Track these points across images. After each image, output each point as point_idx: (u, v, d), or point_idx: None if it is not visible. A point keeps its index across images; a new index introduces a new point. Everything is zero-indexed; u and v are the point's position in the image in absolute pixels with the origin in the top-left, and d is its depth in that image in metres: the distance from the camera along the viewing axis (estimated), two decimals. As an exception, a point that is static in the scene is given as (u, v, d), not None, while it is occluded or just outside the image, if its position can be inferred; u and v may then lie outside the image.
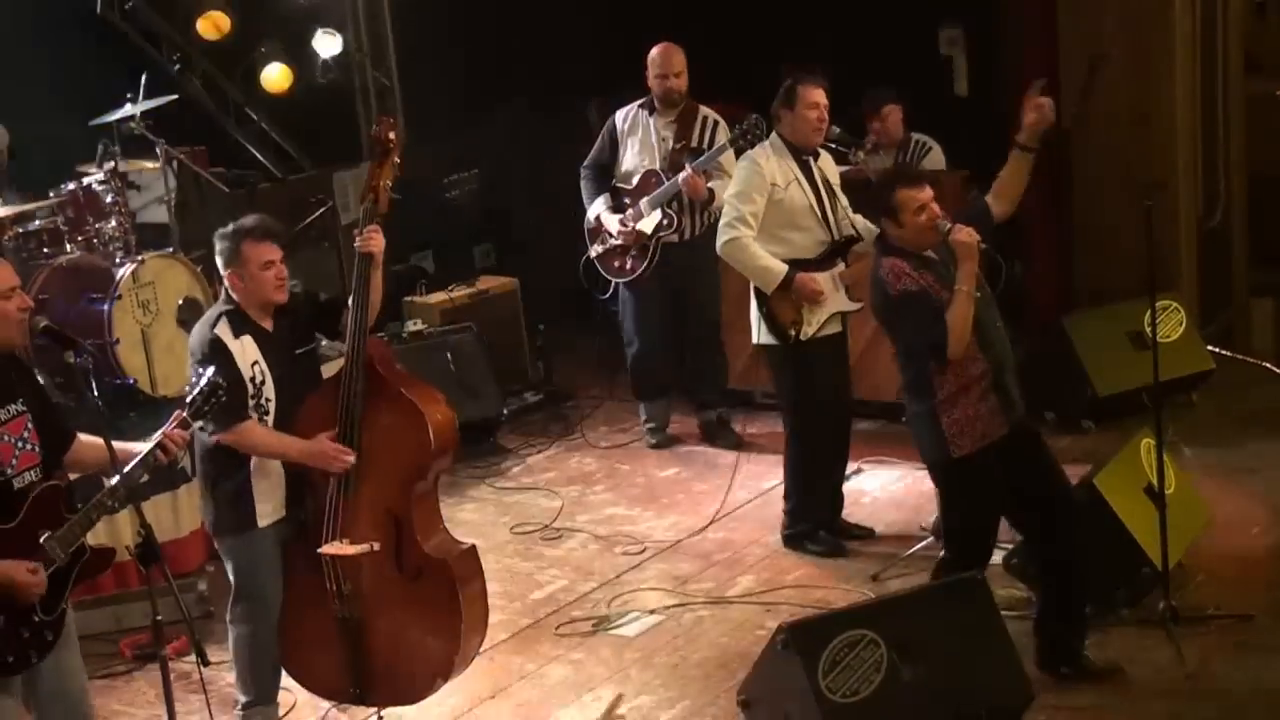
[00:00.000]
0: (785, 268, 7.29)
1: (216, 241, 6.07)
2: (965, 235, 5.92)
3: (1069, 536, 6.14)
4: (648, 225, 8.72)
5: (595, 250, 8.96)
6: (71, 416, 5.55)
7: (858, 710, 5.53)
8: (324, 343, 6.62)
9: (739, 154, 8.45)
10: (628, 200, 8.84)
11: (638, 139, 8.86)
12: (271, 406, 5.99)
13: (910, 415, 6.21)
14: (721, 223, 7.45)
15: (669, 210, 8.70)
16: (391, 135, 6.15)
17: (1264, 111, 10.10)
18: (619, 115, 8.96)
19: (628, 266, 8.87)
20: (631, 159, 8.87)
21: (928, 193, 6.06)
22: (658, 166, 8.76)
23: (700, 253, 8.81)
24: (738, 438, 9.01)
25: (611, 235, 8.84)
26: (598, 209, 8.90)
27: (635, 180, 8.82)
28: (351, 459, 5.92)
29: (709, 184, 8.57)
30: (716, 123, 8.84)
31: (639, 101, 8.92)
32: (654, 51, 8.84)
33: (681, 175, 8.54)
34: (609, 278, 9.01)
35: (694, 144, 8.75)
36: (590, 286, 9.16)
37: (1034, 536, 6.29)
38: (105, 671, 6.99)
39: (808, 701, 5.51)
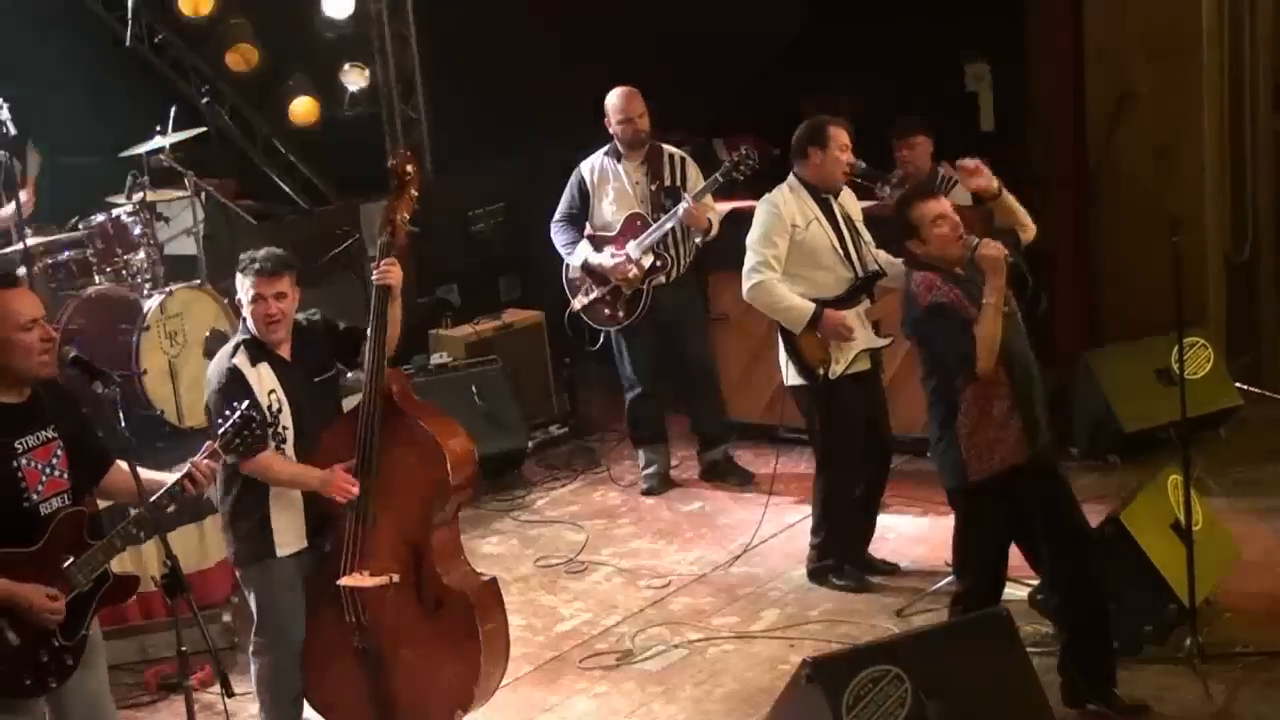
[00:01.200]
0: (812, 306, 7.28)
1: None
2: (992, 250, 5.92)
3: (1086, 573, 6.10)
4: (640, 269, 8.69)
5: (579, 302, 8.90)
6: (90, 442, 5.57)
7: (882, 746, 5.50)
8: (349, 374, 6.62)
9: (730, 185, 8.49)
10: (610, 248, 8.76)
11: (611, 187, 8.79)
12: (289, 435, 6.01)
13: (933, 439, 6.19)
14: (746, 268, 7.42)
15: (660, 252, 8.67)
16: (409, 168, 6.17)
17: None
18: (584, 167, 8.87)
19: (619, 315, 8.83)
20: (608, 208, 8.79)
21: (944, 203, 6.07)
22: (638, 210, 8.73)
23: (686, 291, 8.84)
24: (747, 474, 9.00)
25: (605, 279, 8.77)
26: (583, 253, 8.80)
27: (618, 227, 8.76)
28: (355, 490, 5.92)
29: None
30: (684, 159, 8.84)
31: (603, 150, 8.85)
32: (614, 97, 8.76)
33: (681, 208, 8.49)
34: (598, 328, 8.98)
35: (668, 183, 8.72)
36: (578, 337, 9.11)
37: (1052, 572, 6.24)
38: (130, 702, 6.99)
39: (832, 737, 5.48)
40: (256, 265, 5.99)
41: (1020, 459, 5.97)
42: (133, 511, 5.13)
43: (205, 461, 5.24)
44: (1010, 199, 6.39)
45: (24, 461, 5.00)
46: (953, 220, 6.03)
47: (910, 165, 9.10)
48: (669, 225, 8.59)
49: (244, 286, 6.00)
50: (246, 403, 5.49)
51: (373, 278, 6.11)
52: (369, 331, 6.05)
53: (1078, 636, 6.16)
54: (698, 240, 8.69)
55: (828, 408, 7.42)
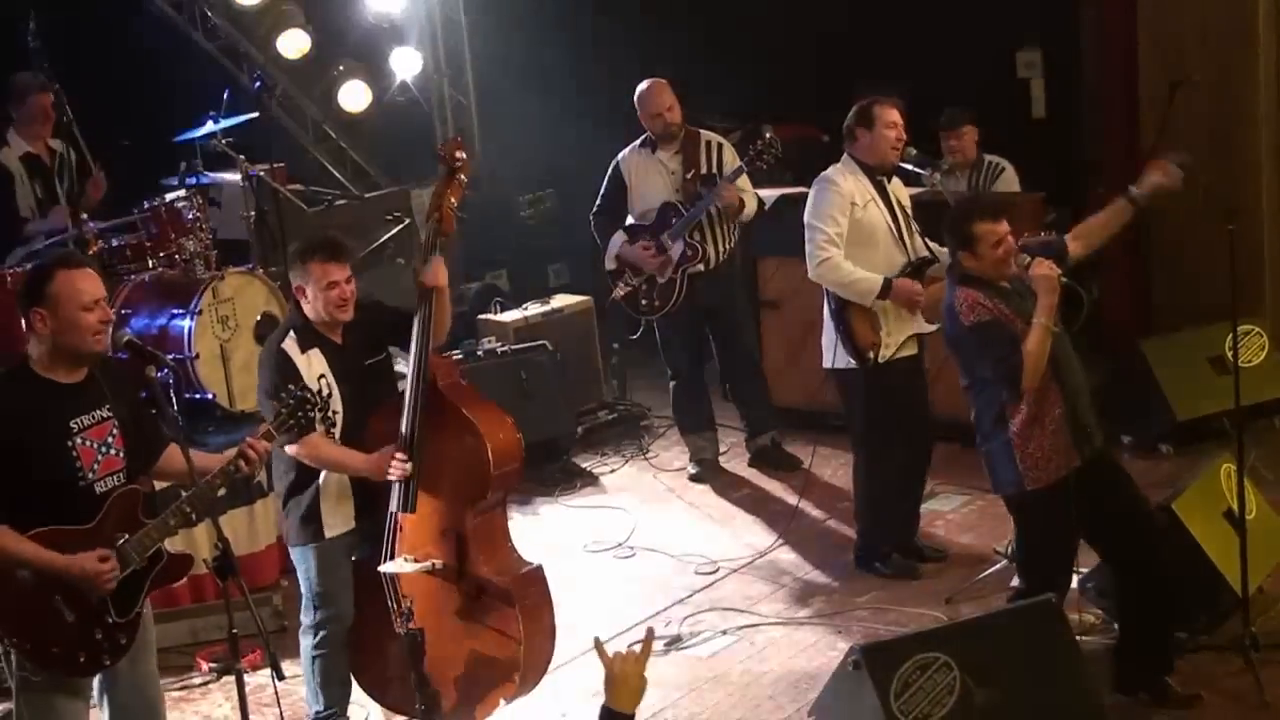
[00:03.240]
0: (880, 278, 7.25)
1: (289, 256, 6.14)
2: (1046, 269, 5.88)
3: (1151, 561, 6.08)
4: (673, 258, 8.69)
5: (619, 292, 8.91)
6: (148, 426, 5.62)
7: (930, 734, 5.49)
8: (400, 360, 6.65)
9: (754, 173, 8.47)
10: (647, 237, 8.79)
11: (647, 177, 8.81)
12: (339, 419, 6.06)
13: (983, 446, 6.17)
14: (810, 248, 7.37)
15: (691, 240, 8.67)
16: (459, 154, 6.18)
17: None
18: (622, 158, 8.89)
19: (655, 304, 8.84)
20: (645, 197, 8.82)
21: (1005, 226, 6.02)
22: (672, 199, 8.73)
23: (727, 279, 8.83)
24: (796, 460, 9.00)
25: (639, 270, 8.77)
26: (615, 246, 8.83)
27: (653, 216, 8.78)
28: (409, 467, 5.95)
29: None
30: (720, 145, 8.83)
31: (638, 141, 8.87)
32: (641, 91, 8.77)
33: (713, 190, 8.50)
34: (638, 316, 8.98)
35: (703, 170, 8.72)
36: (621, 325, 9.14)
37: (1114, 561, 6.23)
38: (181, 684, 7.06)
39: (879, 724, 5.48)
40: (326, 251, 6.03)
41: (1075, 463, 5.95)
42: (185, 494, 5.17)
43: (259, 442, 5.28)
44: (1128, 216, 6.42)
45: (79, 440, 5.05)
46: (1010, 245, 5.99)
47: (958, 154, 9.08)
48: (704, 209, 8.58)
49: (313, 273, 6.01)
50: (302, 384, 5.54)
51: (419, 278, 6.14)
52: (415, 326, 6.07)
53: (1139, 625, 6.12)
54: (736, 222, 8.65)
55: (874, 391, 7.39)
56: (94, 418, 5.11)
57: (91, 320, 5.06)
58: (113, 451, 5.14)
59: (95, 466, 5.09)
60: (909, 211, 7.51)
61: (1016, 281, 6.01)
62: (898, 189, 7.55)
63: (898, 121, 7.38)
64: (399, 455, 5.97)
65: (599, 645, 4.18)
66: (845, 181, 7.36)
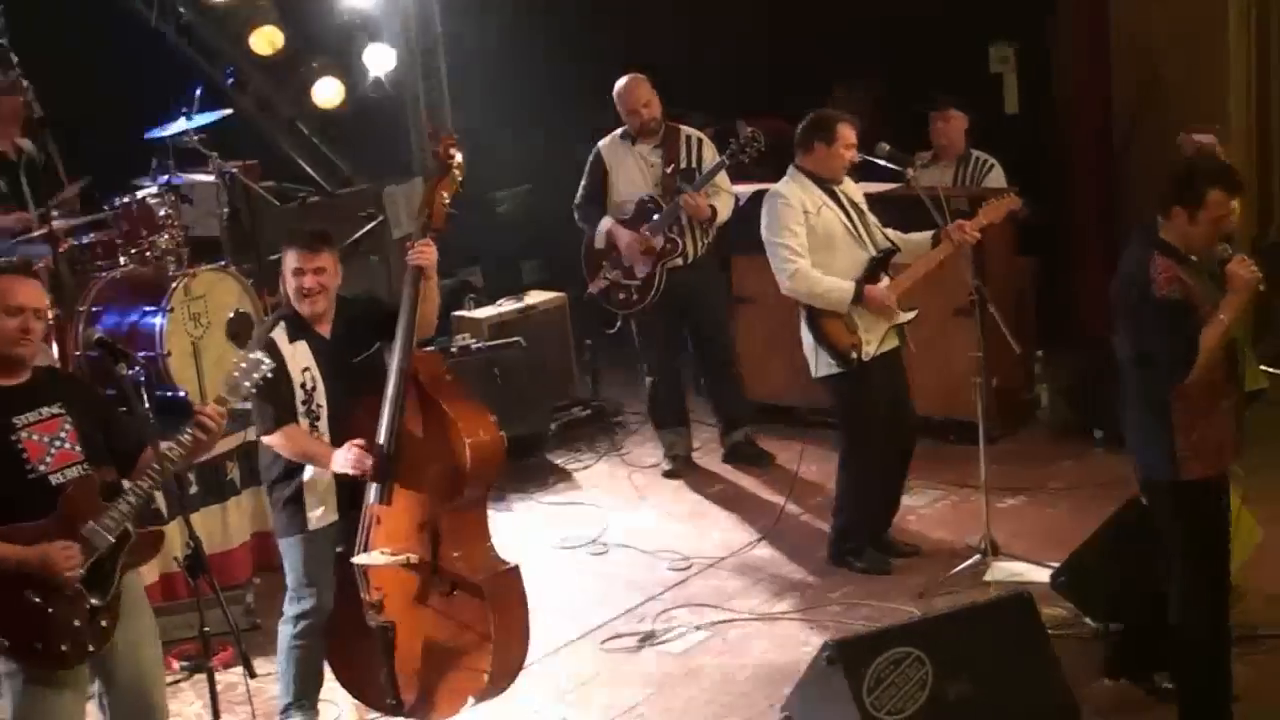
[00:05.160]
0: (852, 285, 7.27)
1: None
2: (1248, 272, 5.50)
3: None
4: (647, 259, 8.69)
5: (596, 286, 8.92)
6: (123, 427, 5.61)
7: (902, 728, 5.52)
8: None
9: (736, 168, 8.47)
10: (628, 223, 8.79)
11: (626, 169, 8.82)
12: (323, 413, 6.07)
13: (1140, 429, 5.76)
14: (776, 263, 7.39)
15: (670, 235, 8.67)
16: (454, 153, 6.23)
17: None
18: (603, 147, 8.90)
19: (634, 299, 8.84)
20: (623, 189, 8.82)
21: (1237, 204, 5.64)
22: (650, 193, 8.73)
23: (704, 274, 8.84)
24: (768, 457, 9.00)
25: (619, 252, 8.77)
26: (606, 225, 8.81)
27: (630, 209, 8.78)
28: (368, 464, 5.94)
29: (710, 201, 8.57)
30: (701, 140, 8.84)
31: (619, 131, 8.87)
32: (620, 87, 8.78)
33: (680, 199, 8.52)
34: (615, 311, 8.98)
35: (682, 165, 8.74)
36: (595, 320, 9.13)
37: None
38: (153, 681, 7.03)
39: (852, 718, 5.49)
40: (300, 239, 6.09)
41: (1228, 463, 5.70)
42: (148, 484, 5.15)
43: (211, 407, 5.25)
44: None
45: (24, 435, 5.07)
46: (1231, 224, 5.63)
47: (944, 138, 9.10)
48: (672, 216, 8.60)
49: (285, 260, 6.09)
50: (262, 352, 5.53)
51: (408, 257, 6.16)
52: (402, 311, 6.09)
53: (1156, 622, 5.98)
54: (717, 225, 8.67)
55: (861, 391, 7.39)
56: (40, 415, 5.12)
57: (10, 326, 5.08)
58: (66, 445, 5.13)
59: (47, 459, 5.08)
60: (862, 207, 7.53)
61: (1207, 261, 5.65)
62: (848, 188, 7.57)
63: (854, 143, 7.43)
64: (357, 450, 5.96)
65: None
66: (794, 193, 7.40)
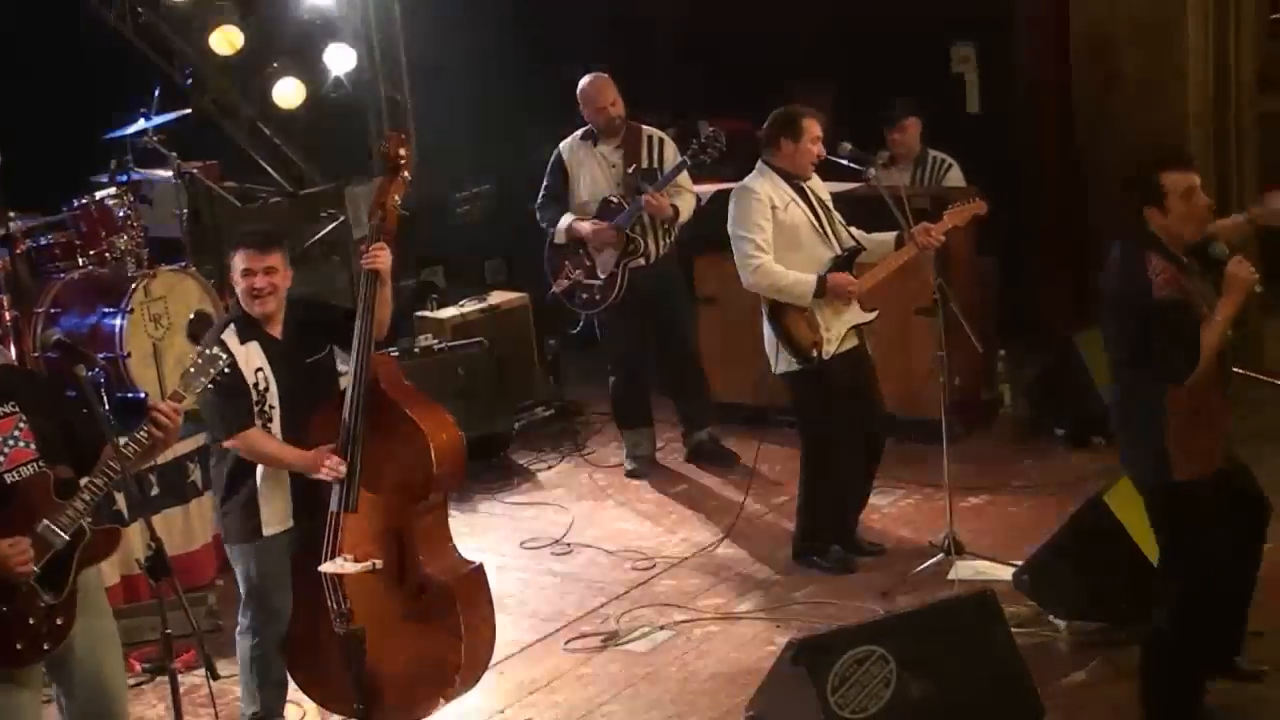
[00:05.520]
0: (814, 278, 7.28)
1: None
2: (1245, 272, 5.44)
3: (1259, 544, 5.94)
4: (611, 256, 8.67)
5: (559, 286, 8.90)
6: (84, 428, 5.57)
7: (867, 726, 5.52)
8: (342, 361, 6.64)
9: (698, 167, 8.47)
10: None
11: (588, 169, 8.80)
12: (275, 414, 6.04)
13: (1129, 431, 5.77)
14: (740, 257, 7.40)
15: (633, 235, 8.67)
16: (402, 151, 6.19)
17: (1276, 128, 10.08)
18: (564, 147, 8.88)
19: (596, 298, 8.83)
20: (585, 189, 8.80)
21: (1196, 176, 5.57)
22: (612, 193, 8.72)
23: (666, 274, 8.84)
24: (732, 456, 9.01)
25: (582, 251, 8.75)
26: (568, 219, 8.78)
27: (593, 209, 8.77)
28: (343, 470, 5.93)
29: (671, 201, 8.57)
30: (662, 139, 8.83)
31: (579, 132, 8.85)
32: (584, 86, 8.76)
33: (642, 199, 8.52)
34: (578, 310, 8.97)
35: (644, 165, 8.72)
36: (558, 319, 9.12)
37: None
38: (114, 685, 6.99)
39: (816, 717, 5.49)
40: (248, 239, 6.06)
41: (1218, 465, 5.64)
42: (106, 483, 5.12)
43: (165, 403, 5.21)
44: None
45: None
46: (1204, 197, 5.58)
47: (901, 147, 9.12)
48: (634, 215, 8.59)
49: (234, 261, 6.05)
50: (217, 346, 5.49)
51: (362, 262, 6.12)
52: (358, 315, 6.06)
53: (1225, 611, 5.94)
54: (680, 225, 8.66)
55: (822, 389, 7.40)
56: None
57: None
58: (21, 444, 5.09)
59: (0, 458, 5.04)
60: (829, 205, 7.54)
61: (1192, 261, 5.61)
62: (816, 186, 7.57)
63: (820, 137, 7.43)
64: (333, 457, 5.94)
65: None
66: (763, 188, 7.40)
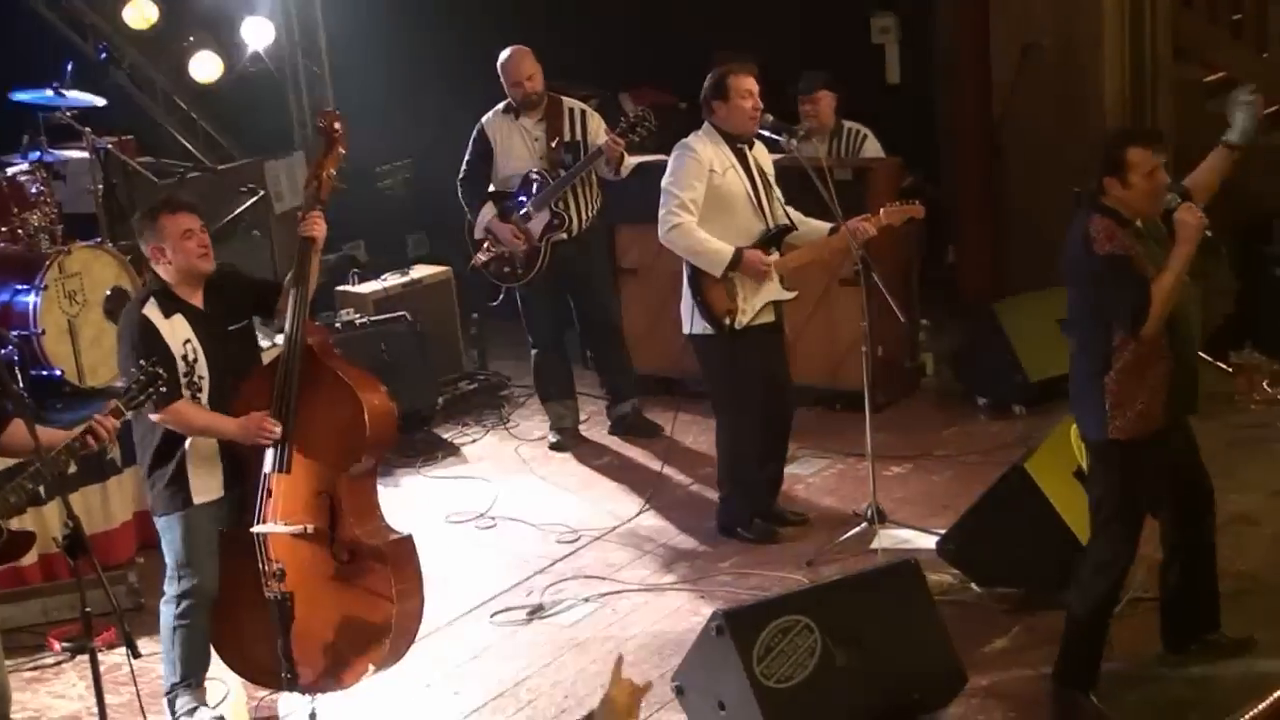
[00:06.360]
0: (731, 249, 7.26)
1: (135, 226, 6.14)
2: (1193, 217, 5.55)
3: (1207, 524, 6.03)
4: (535, 228, 8.65)
5: (480, 258, 8.87)
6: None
7: (792, 695, 5.54)
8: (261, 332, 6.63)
9: (630, 147, 8.46)
10: (510, 204, 8.74)
11: (511, 143, 8.76)
12: (205, 384, 6.02)
13: (1076, 387, 5.87)
14: (663, 211, 7.38)
15: (557, 209, 8.65)
16: (337, 126, 6.29)
17: (1191, 98, 10.18)
18: (485, 122, 8.83)
19: (518, 271, 8.80)
20: (509, 163, 8.76)
21: (1161, 156, 5.66)
22: (536, 167, 8.70)
23: (589, 247, 8.82)
24: (656, 427, 9.01)
25: (502, 243, 8.76)
26: (486, 218, 8.76)
27: (516, 183, 8.75)
28: (278, 431, 5.95)
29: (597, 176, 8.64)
30: (584, 111, 8.81)
31: (501, 105, 8.81)
32: (503, 59, 8.72)
33: (602, 141, 8.48)
34: (499, 284, 8.95)
35: (566, 137, 8.70)
36: (479, 292, 9.10)
37: (1174, 520, 6.06)
38: (34, 664, 6.93)
39: (742, 687, 5.51)
40: (171, 204, 6.05)
41: (1162, 424, 5.71)
42: (29, 469, 5.07)
43: (107, 418, 5.20)
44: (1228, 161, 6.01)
45: None
46: (1162, 178, 5.67)
47: (814, 120, 9.11)
48: (574, 178, 8.56)
49: (166, 228, 5.98)
50: (154, 359, 5.50)
51: (299, 229, 6.17)
52: (287, 282, 6.11)
53: (1193, 584, 6.07)
54: (610, 174, 8.62)
55: (731, 358, 7.41)
56: None
57: None
58: None
59: None
60: (770, 178, 7.53)
61: (1152, 226, 5.72)
62: (761, 156, 7.55)
63: (753, 90, 7.38)
64: (270, 420, 5.94)
65: (618, 665, 4.07)
66: (704, 149, 7.37)
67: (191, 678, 6.21)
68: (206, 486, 6.07)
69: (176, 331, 5.96)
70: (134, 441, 6.24)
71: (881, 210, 7.43)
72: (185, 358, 5.96)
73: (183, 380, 5.95)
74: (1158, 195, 5.66)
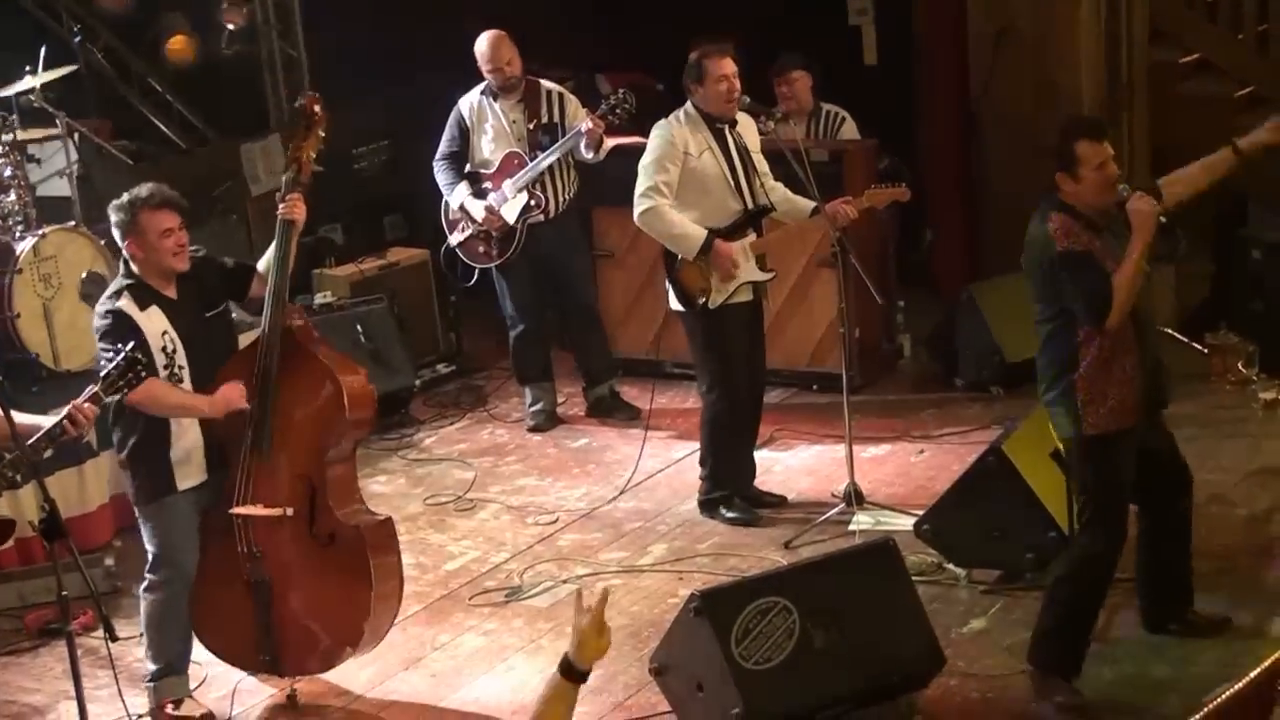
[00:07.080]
0: (704, 233, 7.26)
1: (112, 213, 6.10)
2: (1145, 205, 5.58)
3: (1186, 506, 6.08)
4: (512, 210, 8.65)
5: (456, 238, 8.85)
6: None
7: (770, 677, 5.55)
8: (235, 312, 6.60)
9: (609, 128, 8.45)
10: (488, 185, 8.73)
11: (489, 125, 8.74)
12: (185, 374, 6.01)
13: (1044, 384, 5.88)
14: (637, 192, 7.40)
15: (534, 191, 8.65)
16: (317, 108, 6.28)
17: (1167, 80, 10.20)
18: (463, 105, 8.81)
19: (493, 252, 8.79)
20: (487, 145, 8.74)
21: (1109, 148, 5.70)
22: (515, 149, 8.69)
23: (567, 228, 8.82)
24: (634, 410, 9.02)
25: (476, 223, 8.74)
26: (460, 196, 8.75)
27: (496, 165, 8.73)
28: (244, 400, 5.94)
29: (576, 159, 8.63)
30: (561, 94, 8.79)
31: (479, 88, 8.79)
32: (481, 45, 8.69)
33: (583, 125, 8.46)
34: (474, 264, 8.93)
35: (544, 120, 8.68)
36: (451, 273, 9.08)
37: (1150, 504, 6.08)
38: (10, 648, 6.93)
39: (720, 669, 5.52)
40: (156, 200, 6.00)
41: (1135, 419, 5.74)
42: (7, 456, 5.05)
43: (86, 405, 5.18)
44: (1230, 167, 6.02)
45: None
46: (1113, 170, 5.70)
47: (791, 101, 9.09)
48: (558, 154, 8.55)
49: (146, 224, 5.95)
50: (131, 344, 5.48)
51: (279, 211, 6.16)
52: (272, 264, 6.10)
53: (1167, 565, 6.11)
54: (588, 156, 8.61)
55: (710, 336, 7.43)
56: None
57: None
58: None
59: None
60: (753, 158, 7.51)
61: (1110, 220, 5.73)
62: (747, 134, 7.51)
63: (728, 73, 7.37)
64: (238, 386, 5.94)
65: (580, 597, 4.06)
66: (681, 130, 7.36)
67: (177, 663, 6.20)
68: (190, 470, 6.06)
69: (154, 324, 5.94)
70: (111, 430, 6.19)
71: (865, 192, 7.43)
72: (164, 349, 5.94)
73: (163, 373, 5.92)
74: (1109, 187, 5.68)
